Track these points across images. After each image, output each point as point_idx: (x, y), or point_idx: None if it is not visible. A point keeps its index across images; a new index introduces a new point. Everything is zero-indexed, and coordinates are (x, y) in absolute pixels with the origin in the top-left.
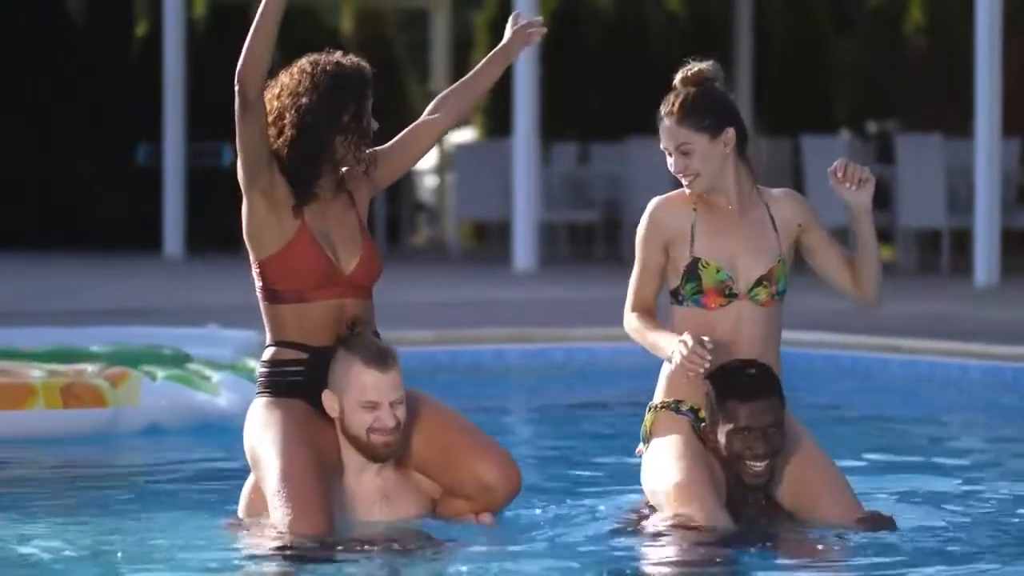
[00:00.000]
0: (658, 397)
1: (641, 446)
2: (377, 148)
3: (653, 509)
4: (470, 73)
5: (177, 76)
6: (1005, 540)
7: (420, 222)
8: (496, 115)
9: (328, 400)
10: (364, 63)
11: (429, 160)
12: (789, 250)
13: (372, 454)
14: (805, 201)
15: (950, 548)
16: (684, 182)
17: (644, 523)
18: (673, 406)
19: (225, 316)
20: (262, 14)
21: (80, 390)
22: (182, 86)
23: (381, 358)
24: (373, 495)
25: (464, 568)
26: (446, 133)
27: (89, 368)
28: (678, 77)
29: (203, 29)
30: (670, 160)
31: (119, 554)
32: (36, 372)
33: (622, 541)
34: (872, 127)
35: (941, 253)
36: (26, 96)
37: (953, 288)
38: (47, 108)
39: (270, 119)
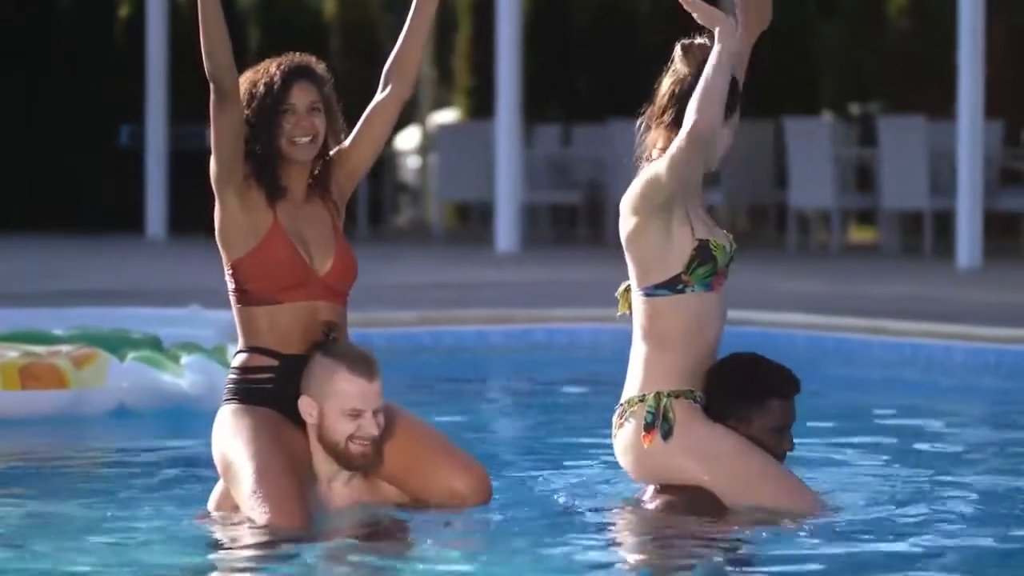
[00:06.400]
0: (663, 385)
1: (652, 434)
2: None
3: (662, 495)
4: (404, 30)
5: (160, 58)
6: (989, 520)
7: (402, 203)
8: (479, 96)
9: (306, 406)
10: (317, 61)
11: (411, 141)
12: None
13: (347, 462)
14: None
15: (932, 530)
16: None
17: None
18: (690, 395)
19: (208, 298)
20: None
21: (40, 371)
22: (165, 68)
23: (367, 366)
24: (343, 504)
25: (452, 554)
26: (404, 102)
27: (64, 349)
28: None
29: (187, 12)
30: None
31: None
32: (12, 352)
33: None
34: (855, 109)
35: (924, 235)
36: (9, 78)
37: (936, 270)
38: (30, 90)
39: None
